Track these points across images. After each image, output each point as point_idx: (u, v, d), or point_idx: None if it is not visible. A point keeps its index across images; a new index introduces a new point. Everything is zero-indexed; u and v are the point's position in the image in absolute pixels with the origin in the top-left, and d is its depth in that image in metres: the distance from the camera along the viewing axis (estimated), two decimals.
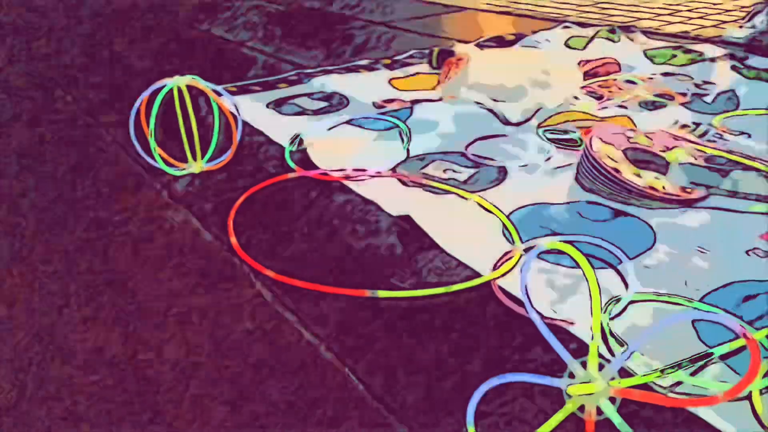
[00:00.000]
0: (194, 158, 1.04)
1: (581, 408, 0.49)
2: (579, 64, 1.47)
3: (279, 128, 1.21)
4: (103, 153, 1.16)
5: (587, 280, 0.50)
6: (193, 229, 0.89)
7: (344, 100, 1.37)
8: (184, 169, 1.03)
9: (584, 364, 0.49)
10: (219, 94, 1.02)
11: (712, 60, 1.52)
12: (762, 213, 0.85)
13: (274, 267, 0.78)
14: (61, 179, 1.07)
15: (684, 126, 1.18)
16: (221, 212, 0.92)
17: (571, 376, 0.49)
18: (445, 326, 0.68)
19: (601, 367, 0.48)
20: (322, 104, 1.35)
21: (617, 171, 0.93)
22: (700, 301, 0.69)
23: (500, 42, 1.76)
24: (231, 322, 0.70)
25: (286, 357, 0.65)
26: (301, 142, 1.13)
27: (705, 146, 1.05)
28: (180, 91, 1.00)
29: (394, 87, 1.44)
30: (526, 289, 0.53)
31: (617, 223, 0.86)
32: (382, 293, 0.72)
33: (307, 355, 0.65)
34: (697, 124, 1.17)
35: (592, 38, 1.69)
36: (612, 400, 0.47)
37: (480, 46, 1.68)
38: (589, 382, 0.48)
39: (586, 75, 1.44)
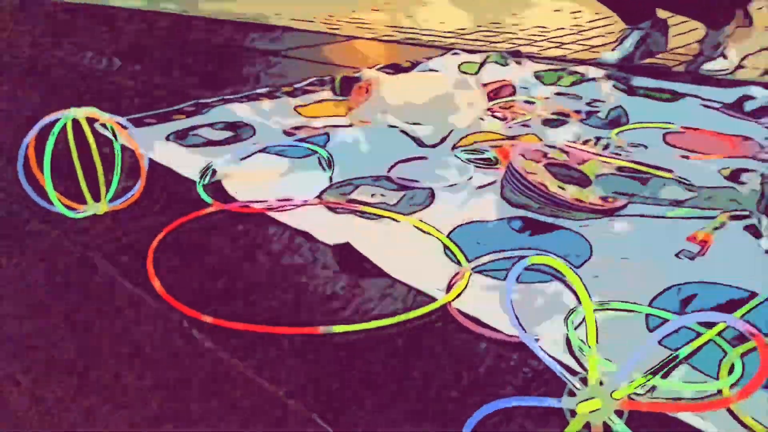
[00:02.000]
0: (95, 198, 0.93)
1: (587, 425, 0.47)
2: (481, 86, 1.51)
3: (186, 161, 1.12)
4: None
5: (575, 292, 0.49)
6: (108, 276, 0.79)
7: (251, 128, 1.30)
8: (85, 210, 0.92)
9: (584, 381, 0.47)
10: (124, 127, 0.93)
11: (595, 80, 1.63)
12: (681, 217, 0.89)
13: (209, 311, 0.70)
14: None
15: (587, 141, 1.23)
16: (136, 256, 0.82)
17: (571, 394, 0.47)
18: (410, 356, 0.64)
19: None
20: (228, 134, 1.27)
21: (543, 185, 0.95)
22: (650, 306, 0.71)
23: (396, 68, 1.77)
24: (170, 377, 0.62)
25: (242, 410, 0.58)
26: (213, 173, 1.05)
27: (612, 158, 1.10)
28: (74, 124, 0.90)
29: (300, 114, 1.40)
30: (513, 309, 0.51)
31: (553, 235, 0.87)
32: (338, 328, 0.67)
33: (267, 404, 0.58)
34: (599, 139, 1.23)
35: (484, 63, 1.76)
36: (619, 413, 0.46)
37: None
38: (593, 397, 0.46)
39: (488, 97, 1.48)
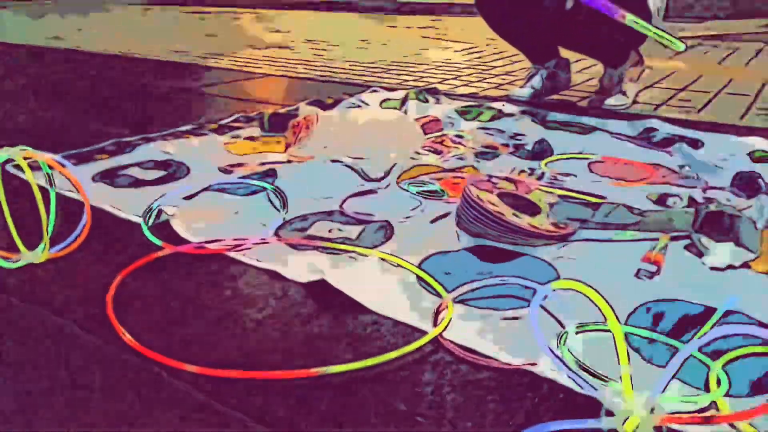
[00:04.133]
0: (29, 245, 0.84)
1: None
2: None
3: (123, 202, 1.05)
4: None
5: (602, 313, 0.50)
6: (65, 333, 0.71)
7: (183, 167, 1.24)
8: (20, 260, 0.83)
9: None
10: (63, 166, 0.85)
11: (512, 115, 1.71)
12: (627, 240, 0.95)
13: (189, 360, 0.65)
14: None
15: (521, 171, 1.29)
16: (93, 307, 0.75)
17: (608, 414, 0.48)
18: (414, 392, 0.63)
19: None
20: (159, 173, 1.21)
21: (501, 214, 0.97)
22: (626, 324, 0.74)
23: (321, 105, 1.77)
24: None
25: None
26: (159, 214, 0.99)
27: (553, 188, 1.16)
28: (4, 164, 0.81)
29: (231, 152, 1.36)
30: (543, 337, 0.51)
31: (517, 262, 0.89)
32: (334, 369, 0.65)
33: None
34: (533, 170, 1.29)
35: (405, 100, 1.80)
36: (658, 429, 0.47)
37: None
38: (631, 415, 0.47)
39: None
